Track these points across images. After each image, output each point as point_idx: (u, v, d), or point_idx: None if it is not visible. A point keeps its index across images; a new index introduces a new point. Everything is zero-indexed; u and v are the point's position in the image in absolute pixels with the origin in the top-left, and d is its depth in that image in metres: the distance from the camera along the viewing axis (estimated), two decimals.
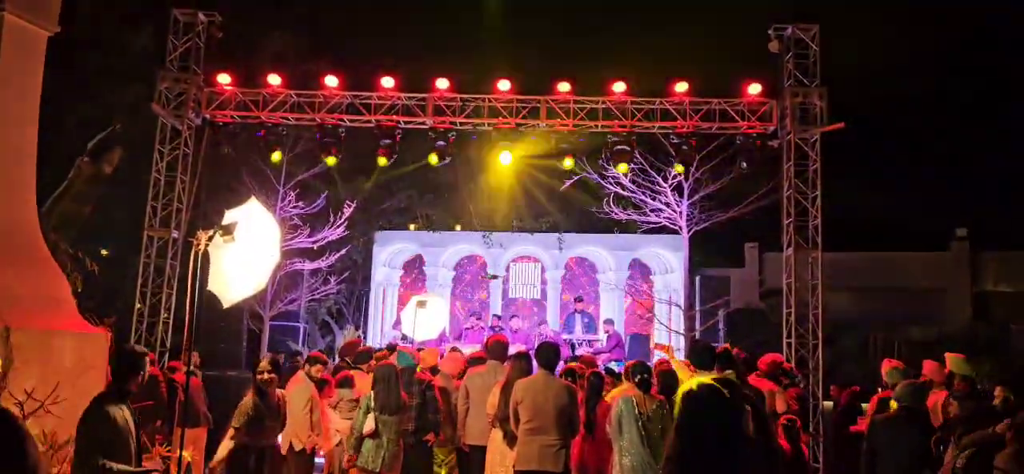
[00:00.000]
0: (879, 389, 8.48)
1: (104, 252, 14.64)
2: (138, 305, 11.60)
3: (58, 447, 6.27)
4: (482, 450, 7.10)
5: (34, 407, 6.14)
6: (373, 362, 8.40)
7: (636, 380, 6.51)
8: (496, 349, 7.75)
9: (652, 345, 11.04)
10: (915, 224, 20.64)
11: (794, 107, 11.36)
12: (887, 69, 21.19)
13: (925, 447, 5.36)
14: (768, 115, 11.64)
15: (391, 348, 9.96)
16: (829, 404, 10.94)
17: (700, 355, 6.52)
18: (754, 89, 11.66)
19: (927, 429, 5.70)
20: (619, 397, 6.61)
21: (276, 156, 12.49)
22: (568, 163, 12.53)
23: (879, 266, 19.98)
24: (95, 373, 7.84)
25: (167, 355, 11.44)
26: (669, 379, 7.05)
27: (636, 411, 6.34)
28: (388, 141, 11.82)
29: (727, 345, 7.62)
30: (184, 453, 6.29)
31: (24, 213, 8.06)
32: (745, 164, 11.75)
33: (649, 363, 7.25)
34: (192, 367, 8.91)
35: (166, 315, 11.70)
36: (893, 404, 6.89)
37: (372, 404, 6.81)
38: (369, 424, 6.77)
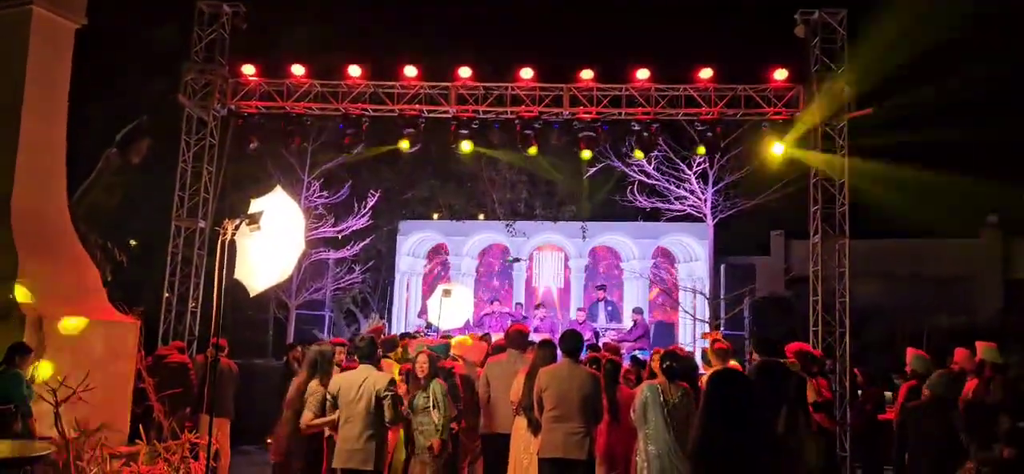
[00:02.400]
0: (906, 378, 8.39)
1: (133, 243, 14.83)
2: (166, 295, 11.76)
3: (90, 433, 6.39)
4: (503, 437, 7.12)
5: (66, 394, 6.25)
6: (400, 350, 8.42)
7: (664, 367, 6.49)
8: (516, 338, 7.75)
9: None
10: (945, 210, 20.29)
11: (821, 92, 11.21)
12: (916, 52, 20.82)
13: (954, 436, 5.29)
14: (794, 101, 11.51)
15: (412, 336, 10.02)
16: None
17: (764, 346, 6.51)
18: (780, 74, 11.52)
19: (955, 418, 5.63)
20: (644, 385, 6.60)
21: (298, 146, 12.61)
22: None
23: (907, 253, 19.69)
24: (125, 361, 7.99)
25: (195, 344, 11.59)
26: (688, 365, 7.04)
27: (661, 399, 6.33)
28: (411, 130, 11.85)
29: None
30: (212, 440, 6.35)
31: (55, 205, 8.21)
32: (779, 149, 11.61)
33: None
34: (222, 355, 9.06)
35: (194, 304, 11.85)
36: (925, 391, 6.82)
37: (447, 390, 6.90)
38: (451, 409, 6.86)
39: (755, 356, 6.57)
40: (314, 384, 6.52)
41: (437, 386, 6.85)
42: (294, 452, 6.52)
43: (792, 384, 3.91)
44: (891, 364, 10.19)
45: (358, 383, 5.95)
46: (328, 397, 6.16)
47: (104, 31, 10.83)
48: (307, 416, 6.36)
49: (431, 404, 6.82)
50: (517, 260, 17.02)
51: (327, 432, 6.52)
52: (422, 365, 6.96)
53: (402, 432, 6.89)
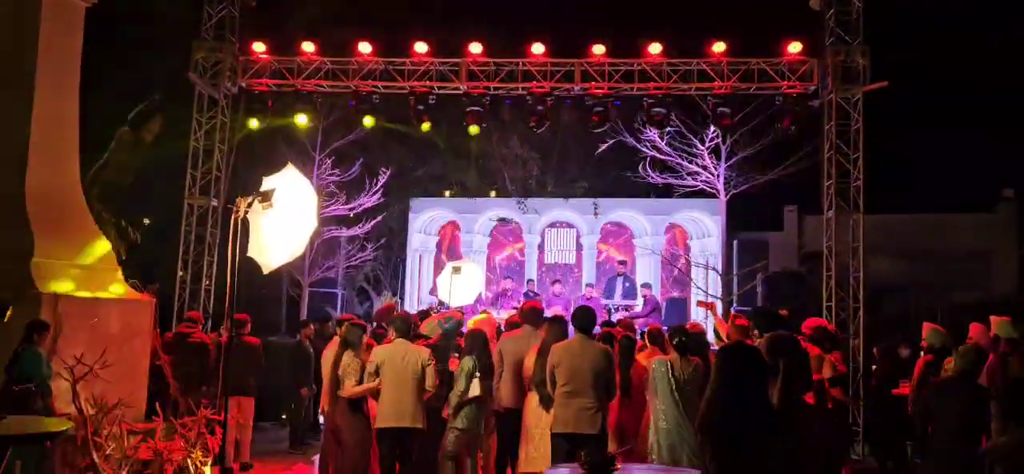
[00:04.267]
0: (921, 353, 8.34)
1: (146, 221, 14.91)
2: (180, 273, 11.84)
3: (108, 410, 6.45)
4: (516, 413, 7.15)
5: (83, 372, 6.30)
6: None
7: (674, 343, 6.49)
8: (531, 315, 7.76)
9: (696, 302, 10.91)
10: (960, 185, 20.11)
11: (836, 65, 11.10)
12: (932, 25, 20.56)
13: (978, 411, 5.24)
14: (809, 74, 11.39)
15: (424, 314, 10.03)
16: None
17: (762, 319, 6.50)
18: (794, 48, 11.40)
19: (980, 393, 5.58)
20: (654, 360, 6.60)
21: (302, 121, 12.56)
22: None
23: (923, 228, 19.53)
24: (141, 339, 8.05)
25: (210, 321, 11.67)
26: (699, 340, 7.05)
27: (670, 374, 6.35)
28: (422, 107, 11.82)
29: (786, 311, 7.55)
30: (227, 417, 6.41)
31: (69, 183, 8.24)
32: (789, 126, 11.51)
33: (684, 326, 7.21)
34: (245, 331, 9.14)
35: (208, 282, 11.92)
36: (948, 364, 6.78)
37: (475, 369, 6.96)
38: (475, 389, 6.94)
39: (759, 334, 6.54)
40: (349, 356, 6.96)
41: (466, 362, 7.00)
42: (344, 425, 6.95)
43: (796, 357, 3.90)
44: (906, 340, 10.14)
45: (402, 355, 6.77)
46: (369, 367, 6.81)
47: (115, 9, 10.82)
48: (349, 384, 6.84)
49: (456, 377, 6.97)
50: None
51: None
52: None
53: None
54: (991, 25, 20.30)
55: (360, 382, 6.89)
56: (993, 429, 4.51)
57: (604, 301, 14.20)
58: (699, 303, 8.87)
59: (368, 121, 12.34)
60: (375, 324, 10.07)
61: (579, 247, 17.37)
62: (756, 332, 6.54)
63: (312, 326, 11.27)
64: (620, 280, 15.14)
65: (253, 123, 12.30)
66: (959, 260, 19.23)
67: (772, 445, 3.37)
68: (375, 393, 6.92)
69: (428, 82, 11.84)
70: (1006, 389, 4.63)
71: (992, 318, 8.06)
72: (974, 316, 8.64)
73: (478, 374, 6.95)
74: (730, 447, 3.29)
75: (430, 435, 7.01)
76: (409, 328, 7.12)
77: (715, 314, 7.66)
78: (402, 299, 17.19)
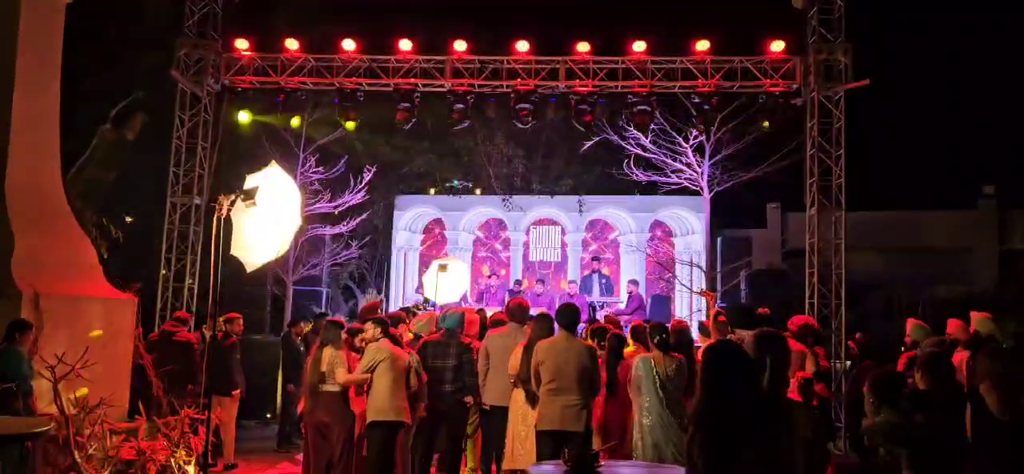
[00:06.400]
0: (903, 349, 8.42)
1: (129, 219, 14.79)
2: (163, 271, 11.74)
3: (90, 409, 6.40)
4: (502, 410, 7.16)
5: (65, 371, 6.25)
6: (408, 323, 8.45)
7: (655, 341, 6.52)
8: (517, 312, 7.77)
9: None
10: (941, 182, 20.32)
11: (818, 64, 11.17)
12: (913, 24, 20.75)
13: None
14: (792, 73, 11.46)
15: (410, 312, 10.02)
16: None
17: (737, 315, 6.56)
18: (777, 46, 11.46)
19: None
20: (638, 358, 6.62)
21: (295, 121, 12.51)
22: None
23: (904, 225, 19.72)
24: (124, 338, 8.00)
25: (193, 320, 11.58)
26: (684, 337, 7.08)
27: (654, 372, 6.37)
28: (407, 104, 11.80)
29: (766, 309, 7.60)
30: (212, 415, 6.38)
31: (50, 181, 8.17)
32: (767, 123, 11.59)
33: (668, 324, 7.25)
34: (226, 329, 9.08)
35: (191, 281, 11.83)
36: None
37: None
38: None
39: (737, 332, 6.57)
40: (331, 352, 7.01)
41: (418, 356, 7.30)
42: (333, 421, 7.04)
43: (782, 353, 3.96)
44: (889, 336, 10.25)
45: (397, 354, 6.94)
46: (364, 362, 6.93)
47: (97, 4, 10.73)
48: (341, 372, 6.92)
49: None
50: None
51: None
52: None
53: None
54: (972, 24, 20.53)
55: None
56: (867, 410, 5.00)
57: (588, 299, 14.26)
58: (701, 291, 8.87)
59: (350, 125, 12.28)
60: (360, 323, 10.05)
61: (564, 244, 17.42)
62: (731, 330, 6.59)
63: (302, 324, 11.22)
64: (596, 277, 15.20)
65: (242, 117, 12.24)
66: (940, 256, 19.43)
67: (761, 441, 3.40)
68: (359, 387, 7.02)
69: (412, 79, 11.82)
70: (877, 379, 5.06)
71: (972, 314, 8.14)
72: (955, 312, 8.71)
73: None
74: (721, 443, 3.31)
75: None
76: (388, 330, 7.31)
77: (713, 305, 7.68)
78: (387, 297, 17.14)
